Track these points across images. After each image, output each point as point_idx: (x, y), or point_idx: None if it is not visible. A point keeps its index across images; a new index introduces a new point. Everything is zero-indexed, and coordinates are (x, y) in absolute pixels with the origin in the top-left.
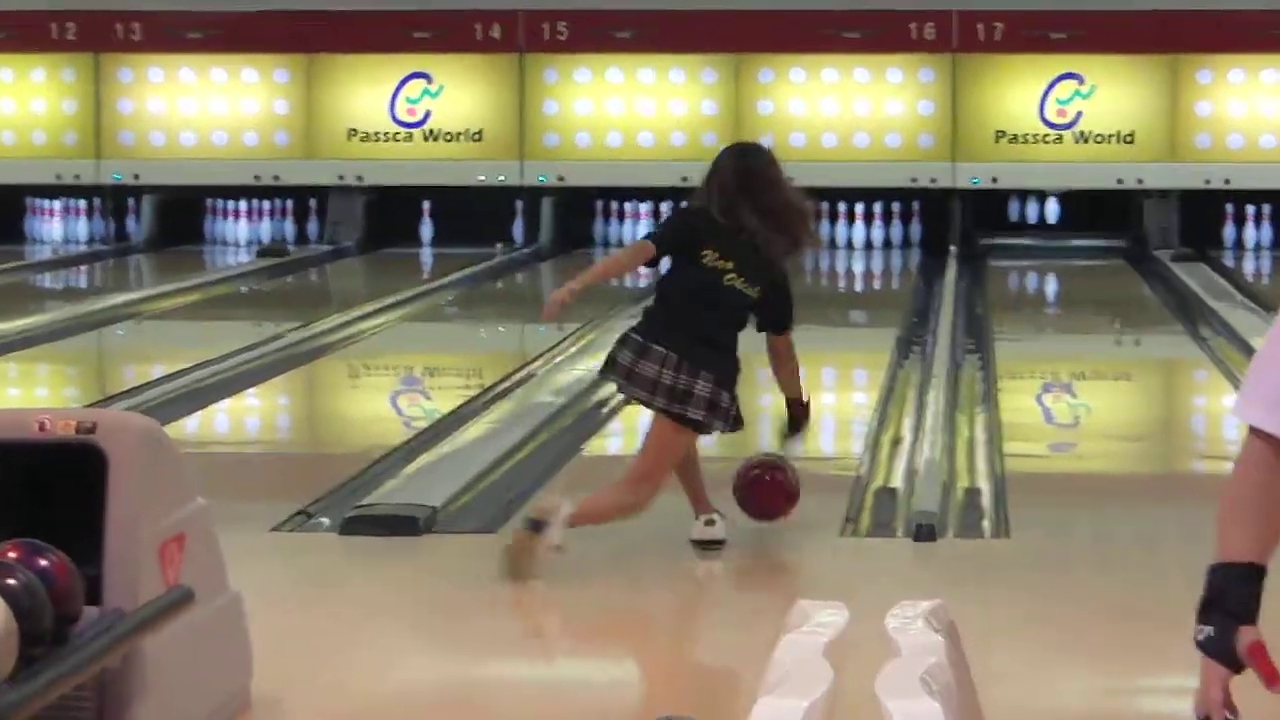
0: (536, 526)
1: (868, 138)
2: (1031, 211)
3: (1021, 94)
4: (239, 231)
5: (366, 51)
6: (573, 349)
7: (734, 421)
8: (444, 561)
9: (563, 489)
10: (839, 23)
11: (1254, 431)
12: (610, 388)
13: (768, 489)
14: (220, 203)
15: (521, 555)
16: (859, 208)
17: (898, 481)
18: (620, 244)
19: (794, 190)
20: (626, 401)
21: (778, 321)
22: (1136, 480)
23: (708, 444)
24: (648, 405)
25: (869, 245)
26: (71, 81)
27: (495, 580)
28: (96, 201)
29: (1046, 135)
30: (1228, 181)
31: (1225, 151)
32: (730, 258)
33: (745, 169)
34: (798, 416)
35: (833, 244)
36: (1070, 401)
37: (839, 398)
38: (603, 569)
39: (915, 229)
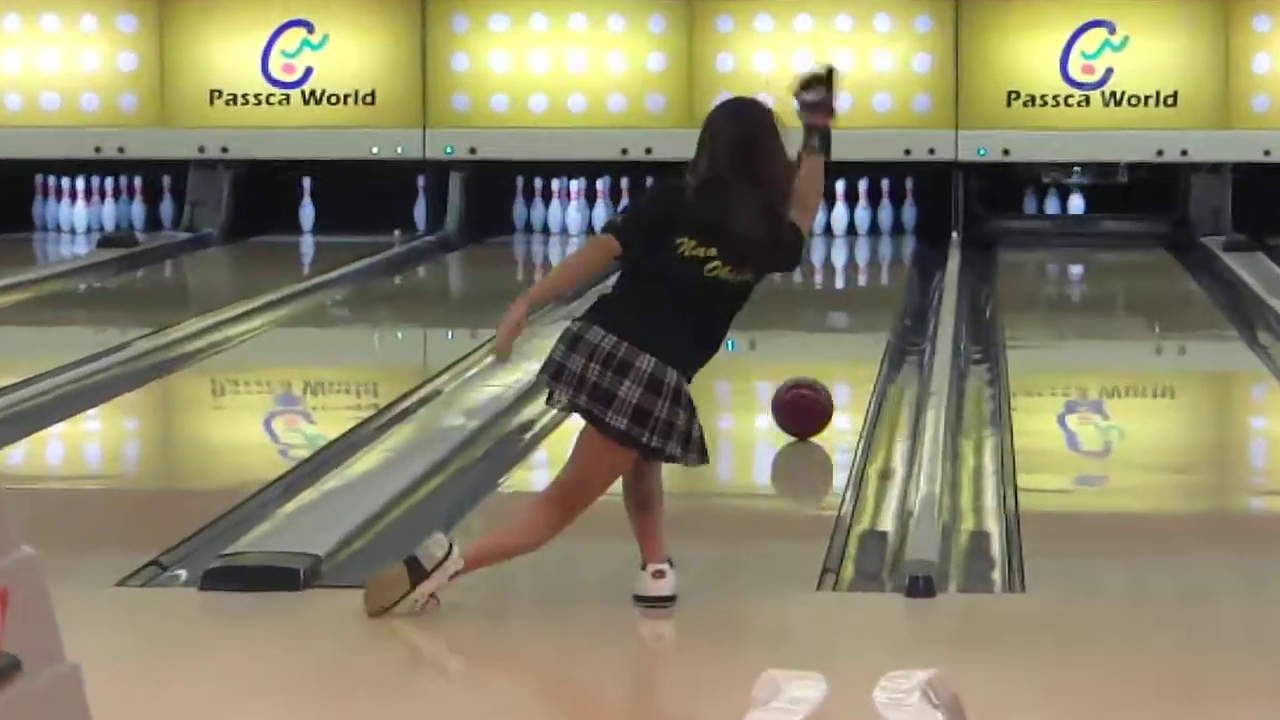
0: (417, 567)
1: (850, 100)
2: (1051, 192)
3: (1040, 46)
4: (76, 216)
5: None
6: (488, 360)
7: (695, 447)
8: (329, 623)
9: (480, 530)
10: None
11: None
12: (537, 405)
13: (805, 406)
14: (52, 180)
15: (388, 591)
16: (839, 186)
17: (888, 523)
18: (545, 230)
19: (793, 169)
20: (559, 420)
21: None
22: (1182, 521)
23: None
24: (571, 410)
25: (852, 231)
26: None
27: (392, 646)
28: None
29: (1070, 96)
30: None
31: None
32: (712, 243)
33: (742, 135)
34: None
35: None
36: (1099, 424)
37: None
38: (527, 631)
39: (909, 212)
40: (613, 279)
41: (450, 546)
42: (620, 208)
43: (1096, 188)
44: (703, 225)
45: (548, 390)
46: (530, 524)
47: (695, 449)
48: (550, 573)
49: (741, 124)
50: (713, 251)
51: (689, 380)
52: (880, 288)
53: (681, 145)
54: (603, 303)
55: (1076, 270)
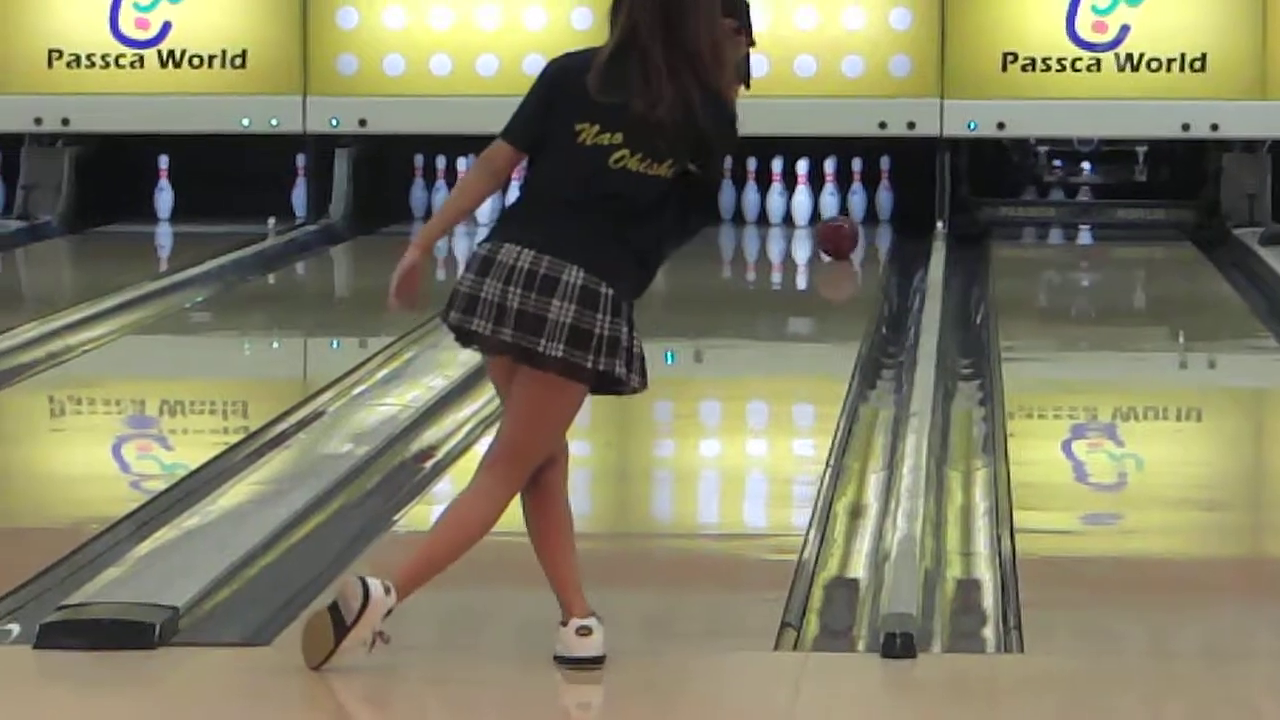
0: (338, 619)
1: (814, 63)
2: (1056, 172)
3: None
4: None
5: None
6: (380, 373)
7: (638, 368)
8: (190, 686)
9: (368, 575)
10: None
11: None
12: (438, 428)
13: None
14: None
15: (319, 643)
16: (802, 166)
17: (860, 570)
18: None
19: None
20: (465, 446)
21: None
22: (1210, 567)
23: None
24: (495, 350)
25: (816, 220)
26: None
27: (260, 713)
28: None
29: (1078, 60)
30: None
31: None
32: (617, 127)
33: None
34: None
35: (763, 218)
36: (1112, 452)
37: (773, 447)
38: (424, 699)
39: (885, 197)
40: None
41: (365, 591)
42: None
43: (1108, 165)
44: (606, 106)
45: (458, 330)
46: (486, 490)
47: (639, 370)
48: (451, 628)
49: None
50: (618, 138)
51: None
52: (851, 288)
53: None
54: (509, 215)
55: (1085, 267)
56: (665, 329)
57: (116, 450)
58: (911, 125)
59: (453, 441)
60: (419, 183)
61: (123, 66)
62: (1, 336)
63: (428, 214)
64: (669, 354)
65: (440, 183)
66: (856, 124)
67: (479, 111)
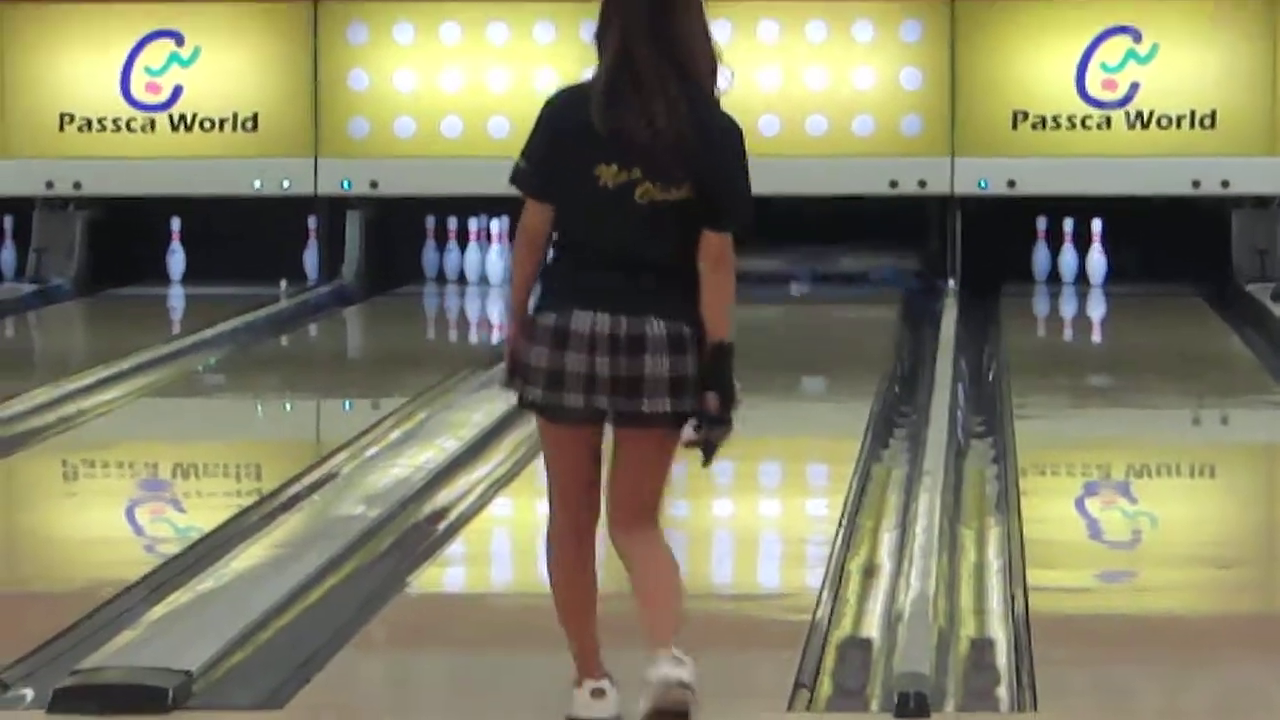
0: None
1: (825, 122)
2: (1067, 228)
3: (1052, 57)
4: None
5: None
6: (393, 435)
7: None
8: None
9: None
10: None
11: None
12: (450, 489)
13: None
14: None
15: None
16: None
17: (873, 629)
18: (461, 280)
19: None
20: (478, 507)
21: (715, 216)
22: (1225, 625)
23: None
24: (592, 420)
25: (825, 277)
26: None
27: None
28: None
29: (1088, 117)
30: None
31: None
32: (634, 161)
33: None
34: (713, 381)
35: (771, 276)
36: (1125, 509)
37: (786, 506)
38: None
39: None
40: None
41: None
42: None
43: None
44: (616, 139)
45: (547, 407)
46: (656, 540)
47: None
48: (464, 690)
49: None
50: (637, 172)
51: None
52: (861, 347)
53: None
54: (559, 278)
55: (1097, 324)
56: None
57: (130, 513)
58: (923, 184)
59: (466, 503)
60: (430, 244)
61: (134, 130)
62: (14, 400)
63: (439, 275)
64: None
65: (451, 244)
66: (868, 183)
67: (490, 173)
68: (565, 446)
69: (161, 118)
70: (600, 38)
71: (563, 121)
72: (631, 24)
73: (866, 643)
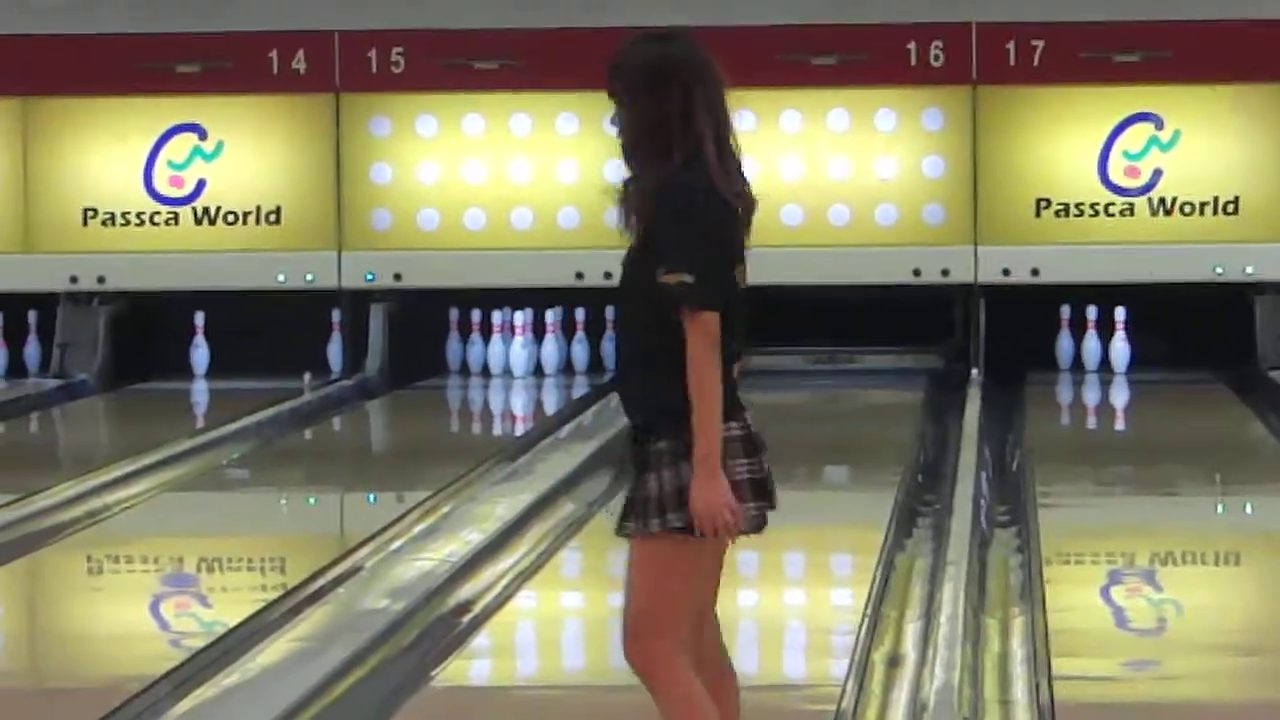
0: None
1: (847, 212)
2: (1090, 315)
3: (1074, 144)
4: None
5: (109, 93)
6: (418, 528)
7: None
8: None
9: None
10: (806, 43)
11: None
12: (475, 582)
13: None
14: None
15: None
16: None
17: (898, 719)
18: (485, 373)
19: None
20: (502, 600)
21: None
22: (1251, 713)
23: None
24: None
25: (847, 368)
26: None
27: None
28: None
29: (1111, 205)
30: None
31: None
32: (742, 253)
33: (704, 77)
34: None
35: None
36: (1151, 597)
37: (809, 596)
38: None
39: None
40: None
41: None
42: (681, 266)
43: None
44: (741, 234)
45: (757, 520)
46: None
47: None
48: None
49: (701, 64)
50: (743, 265)
51: None
52: (885, 436)
53: None
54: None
55: (1121, 411)
56: None
57: (154, 608)
58: (946, 272)
59: (490, 595)
60: (454, 336)
61: (158, 224)
62: (38, 496)
63: (463, 368)
64: None
65: (475, 336)
66: (891, 272)
67: (514, 265)
68: (718, 561)
69: (185, 211)
70: (677, 116)
71: (724, 225)
72: (720, 100)
73: None
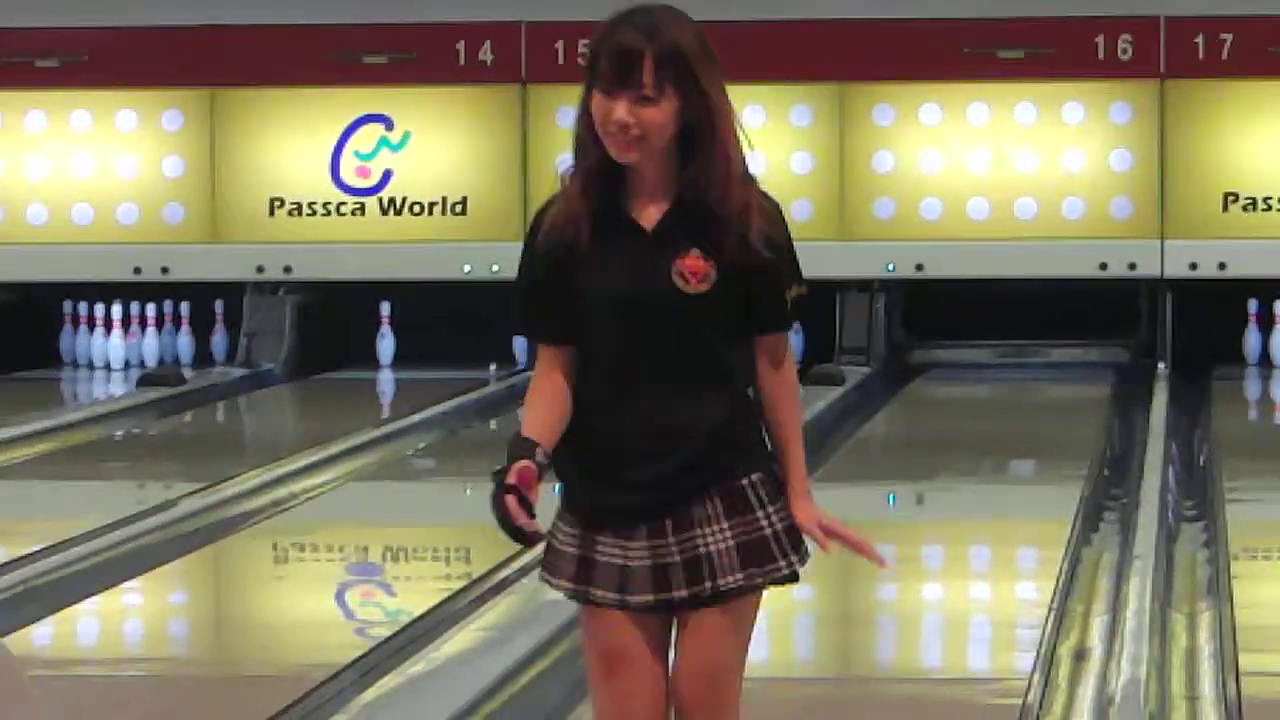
0: None
1: (1034, 205)
2: (1278, 310)
3: (1263, 138)
4: (111, 350)
5: (295, 84)
6: None
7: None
8: None
9: None
10: (993, 37)
11: None
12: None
13: None
14: (83, 308)
15: None
16: None
17: (1084, 715)
18: None
19: None
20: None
21: None
22: None
23: None
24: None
25: (1032, 362)
26: None
27: None
28: None
29: None
30: None
31: None
32: None
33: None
34: None
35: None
36: None
37: (996, 590)
38: None
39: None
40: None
41: None
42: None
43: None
44: None
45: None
46: None
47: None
48: None
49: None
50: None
51: None
52: (1071, 431)
53: (831, 261)
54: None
55: None
56: (887, 472)
57: (340, 597)
58: (1132, 266)
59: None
60: None
61: (344, 214)
62: (225, 484)
63: None
64: (891, 496)
65: None
66: (1077, 265)
67: None
68: None
69: (371, 202)
70: (737, 137)
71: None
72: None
73: None
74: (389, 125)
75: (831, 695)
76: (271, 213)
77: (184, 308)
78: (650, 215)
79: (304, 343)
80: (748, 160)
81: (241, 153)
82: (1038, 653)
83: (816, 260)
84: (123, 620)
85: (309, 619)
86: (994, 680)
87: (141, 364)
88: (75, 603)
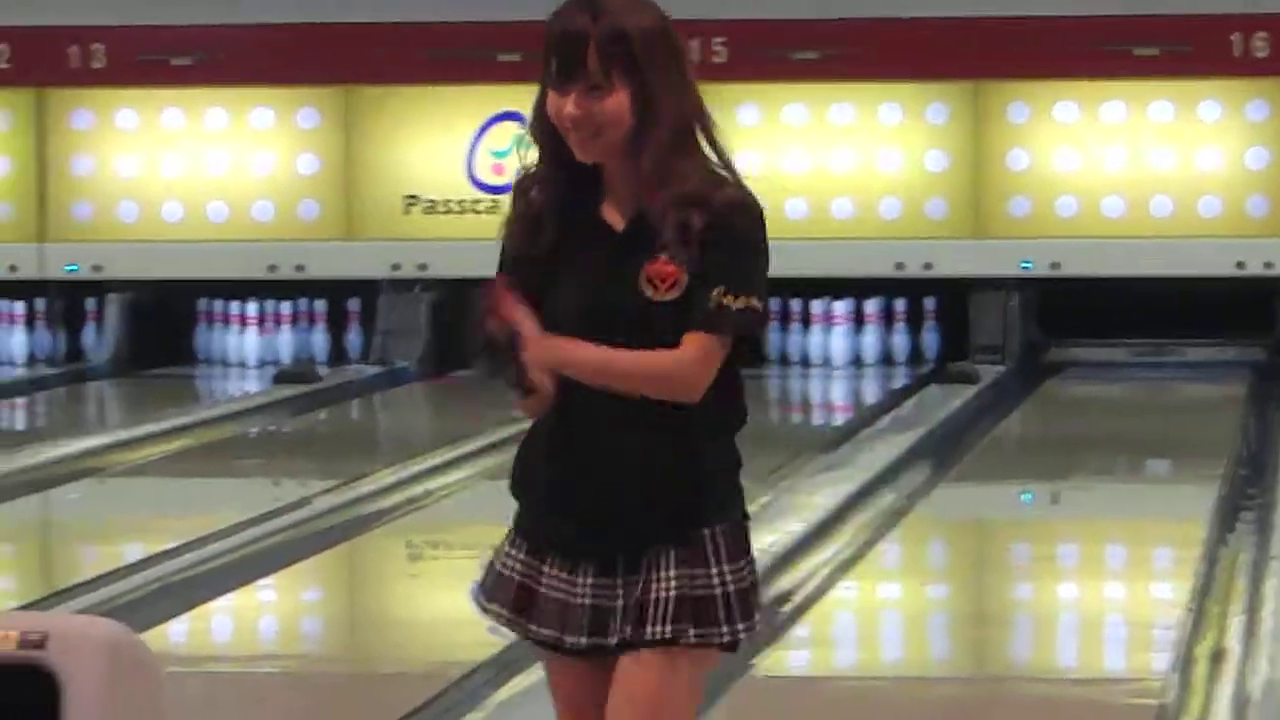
0: None
1: (1170, 203)
2: None
3: None
4: (247, 348)
5: (431, 81)
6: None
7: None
8: None
9: None
10: (1128, 34)
11: None
12: (795, 572)
13: None
14: (220, 306)
15: None
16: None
17: (1222, 716)
18: (806, 362)
19: None
20: (826, 587)
21: None
22: None
23: None
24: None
25: (1168, 360)
26: (3, 130)
27: None
28: (40, 304)
29: None
30: None
31: None
32: None
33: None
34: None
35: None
36: None
37: (1131, 589)
38: None
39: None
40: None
41: None
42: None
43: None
44: None
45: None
46: None
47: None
48: None
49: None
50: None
51: None
52: (1206, 429)
53: (961, 257)
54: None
55: None
56: (1022, 471)
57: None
58: (1269, 265)
59: (809, 586)
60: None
61: (478, 212)
62: (360, 482)
63: (782, 357)
64: (1026, 494)
65: (795, 325)
66: (1213, 264)
67: (836, 254)
68: None
69: (506, 200)
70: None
71: None
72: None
73: None
74: (524, 123)
75: (965, 695)
76: (406, 210)
77: (319, 305)
78: (622, 216)
79: (439, 340)
80: (729, 159)
81: (376, 150)
82: (1175, 653)
83: (951, 259)
84: (258, 617)
85: (443, 616)
86: (1130, 681)
87: (276, 361)
88: (211, 599)
